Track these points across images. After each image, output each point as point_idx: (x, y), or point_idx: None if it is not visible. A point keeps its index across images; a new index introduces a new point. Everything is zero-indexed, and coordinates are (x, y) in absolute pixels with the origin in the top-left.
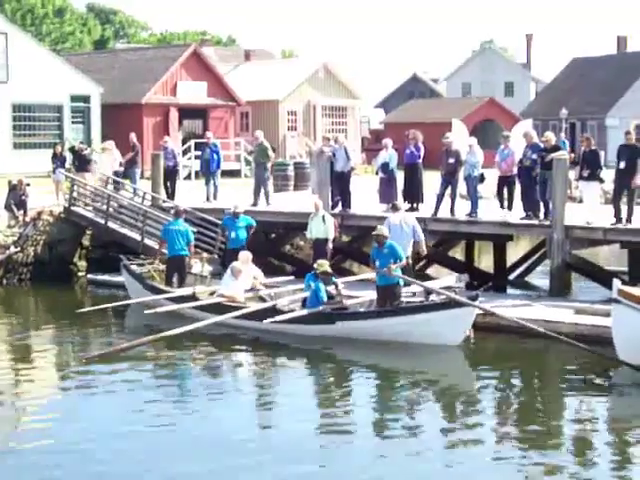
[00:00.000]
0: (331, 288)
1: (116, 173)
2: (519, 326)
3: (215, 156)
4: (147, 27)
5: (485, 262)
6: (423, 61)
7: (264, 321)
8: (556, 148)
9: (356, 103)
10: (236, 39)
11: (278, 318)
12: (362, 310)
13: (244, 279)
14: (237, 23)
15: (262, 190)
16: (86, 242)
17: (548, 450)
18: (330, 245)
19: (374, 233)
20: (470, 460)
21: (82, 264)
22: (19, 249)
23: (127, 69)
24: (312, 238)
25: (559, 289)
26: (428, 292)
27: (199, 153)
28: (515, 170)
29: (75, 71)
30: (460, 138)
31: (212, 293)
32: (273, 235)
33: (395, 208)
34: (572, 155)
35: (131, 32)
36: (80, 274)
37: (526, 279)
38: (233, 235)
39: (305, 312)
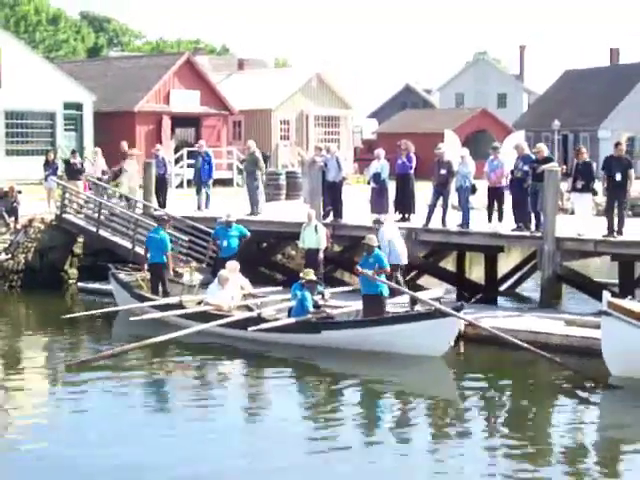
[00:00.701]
0: (318, 297)
1: (100, 180)
2: (497, 336)
3: (207, 165)
4: (141, 35)
5: (476, 273)
6: (416, 72)
7: (248, 329)
8: (548, 160)
9: (349, 113)
10: (229, 48)
11: (263, 326)
12: (347, 319)
13: (231, 288)
14: (231, 32)
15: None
16: (77, 250)
17: (536, 460)
18: (322, 255)
19: (363, 242)
20: (456, 469)
21: (73, 272)
22: (10, 256)
23: (120, 77)
24: (304, 248)
25: (549, 300)
26: (413, 302)
27: (192, 161)
28: (504, 181)
29: (68, 79)
30: (452, 149)
31: (200, 302)
32: (264, 244)
33: (378, 222)
34: (564, 167)
35: (125, 40)
36: (71, 282)
37: (517, 290)
38: (225, 244)
39: (290, 321)
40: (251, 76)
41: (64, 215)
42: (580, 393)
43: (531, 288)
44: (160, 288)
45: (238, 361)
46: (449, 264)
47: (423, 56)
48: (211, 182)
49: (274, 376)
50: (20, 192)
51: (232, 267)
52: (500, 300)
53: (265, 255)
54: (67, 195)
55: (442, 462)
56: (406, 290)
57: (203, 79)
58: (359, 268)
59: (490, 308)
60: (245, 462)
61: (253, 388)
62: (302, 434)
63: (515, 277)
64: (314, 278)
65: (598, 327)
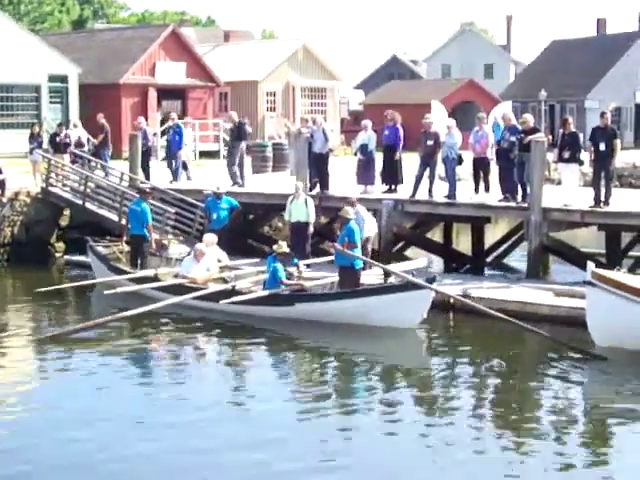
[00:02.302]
0: (293, 269)
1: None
2: (471, 307)
3: (177, 137)
4: (126, 7)
5: (463, 244)
6: (403, 42)
7: (221, 301)
8: (534, 130)
9: (335, 84)
10: (215, 20)
11: (235, 299)
12: (320, 292)
13: (207, 261)
14: (217, 3)
15: (236, 169)
16: (63, 223)
17: (519, 432)
18: (311, 229)
19: (339, 214)
20: (440, 443)
21: (59, 245)
22: None
23: (105, 49)
24: (290, 221)
25: (536, 271)
26: (387, 274)
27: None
28: (489, 152)
29: (53, 51)
30: (439, 120)
31: (176, 275)
32: (251, 216)
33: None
34: (550, 137)
35: (110, 12)
36: (57, 255)
37: (504, 261)
38: (215, 216)
39: (263, 293)
40: (237, 48)
41: (50, 188)
42: (565, 364)
43: (518, 259)
44: (139, 261)
45: (211, 335)
46: (436, 235)
47: (410, 27)
48: (179, 154)
49: (248, 349)
50: None
51: (210, 240)
52: (487, 271)
53: (252, 227)
54: (53, 168)
55: (425, 435)
56: (379, 264)
57: (189, 51)
58: (332, 243)
59: (477, 279)
60: (226, 437)
61: (227, 361)
62: (279, 407)
63: (502, 248)
64: (287, 250)
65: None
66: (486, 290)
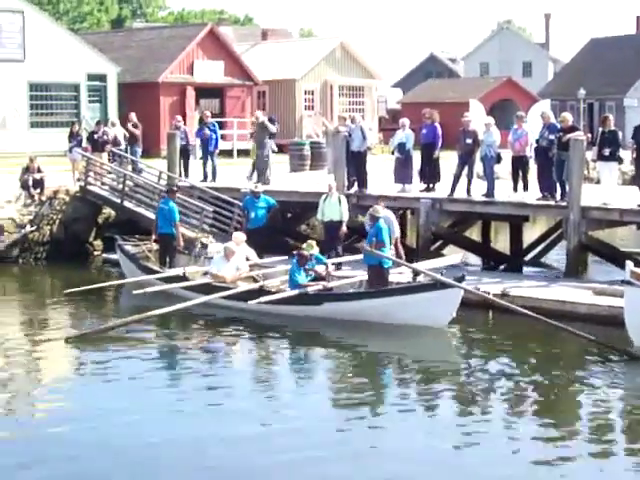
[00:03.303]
0: (322, 268)
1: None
2: (504, 307)
3: (213, 135)
4: (164, 6)
5: (501, 243)
6: (441, 41)
7: (249, 302)
8: (573, 129)
9: (373, 83)
10: (253, 18)
11: (263, 299)
12: (348, 291)
13: (237, 260)
14: (255, 2)
15: (262, 168)
16: (102, 221)
17: (556, 432)
18: (344, 228)
19: (369, 212)
20: (472, 443)
21: (97, 243)
22: (35, 228)
23: (144, 48)
24: (324, 220)
25: (575, 270)
26: (415, 273)
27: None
28: (528, 150)
29: (92, 50)
30: (477, 118)
31: (205, 273)
32: (289, 215)
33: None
34: (589, 135)
35: (148, 11)
36: (95, 253)
37: (542, 260)
38: (252, 215)
39: (290, 293)
40: (275, 46)
41: (88, 186)
42: (603, 364)
43: (556, 258)
44: (167, 259)
45: (240, 333)
46: (474, 234)
47: (448, 25)
48: (217, 153)
49: (276, 348)
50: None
51: (239, 239)
52: (525, 270)
53: (290, 225)
54: (91, 166)
55: (460, 433)
56: (408, 264)
57: (227, 49)
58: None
59: (515, 277)
60: (254, 433)
61: (256, 359)
62: (305, 404)
63: (540, 247)
64: (314, 251)
65: None
66: (524, 289)
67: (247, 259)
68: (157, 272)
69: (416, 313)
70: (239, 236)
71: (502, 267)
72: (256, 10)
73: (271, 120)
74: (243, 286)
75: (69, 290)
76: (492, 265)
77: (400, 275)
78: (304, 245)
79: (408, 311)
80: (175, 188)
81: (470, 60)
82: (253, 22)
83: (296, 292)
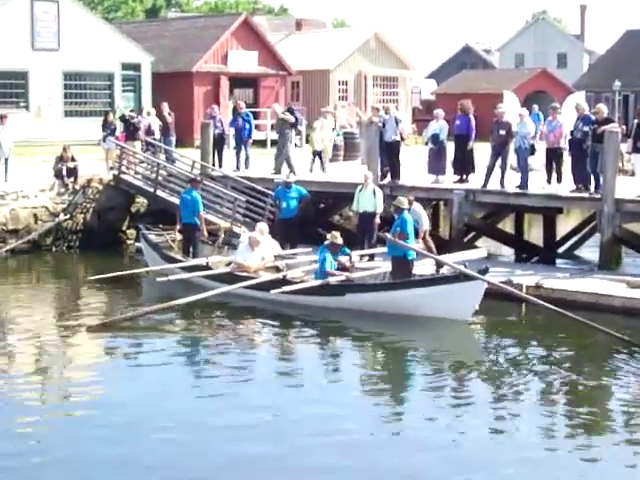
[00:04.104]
0: (345, 259)
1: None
2: (527, 300)
3: (247, 125)
4: None
5: (534, 235)
6: (476, 32)
7: (271, 291)
8: (607, 120)
9: (407, 73)
10: (288, 8)
11: (285, 289)
12: (371, 282)
13: (262, 250)
14: None
15: (286, 159)
16: (135, 210)
17: (585, 427)
18: (378, 219)
19: (393, 203)
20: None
21: (131, 232)
22: (68, 216)
23: (178, 38)
24: (358, 211)
25: (609, 263)
26: (439, 265)
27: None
28: (563, 142)
29: (126, 39)
30: (512, 109)
31: (228, 263)
32: (322, 205)
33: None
34: (623, 127)
35: (183, 1)
36: (128, 242)
37: (575, 252)
38: (284, 205)
39: (313, 283)
40: (309, 36)
41: (122, 176)
42: (632, 358)
43: (590, 250)
44: (191, 249)
45: (262, 323)
46: (507, 226)
47: (483, 16)
48: (250, 142)
49: (299, 338)
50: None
51: (262, 229)
52: (558, 262)
53: (323, 216)
54: (125, 156)
55: (487, 427)
56: (432, 255)
57: (261, 39)
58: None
59: (549, 269)
60: (279, 425)
61: (277, 350)
62: (326, 394)
63: (574, 239)
64: (339, 241)
65: None
66: (558, 281)
67: (272, 249)
68: (179, 261)
69: (439, 305)
70: (263, 227)
71: (535, 259)
72: (290, 0)
73: (290, 110)
74: (266, 276)
75: (93, 277)
76: (525, 257)
77: (424, 267)
78: (328, 236)
79: (431, 303)
80: (199, 178)
81: (505, 51)
82: (287, 12)
83: (319, 282)
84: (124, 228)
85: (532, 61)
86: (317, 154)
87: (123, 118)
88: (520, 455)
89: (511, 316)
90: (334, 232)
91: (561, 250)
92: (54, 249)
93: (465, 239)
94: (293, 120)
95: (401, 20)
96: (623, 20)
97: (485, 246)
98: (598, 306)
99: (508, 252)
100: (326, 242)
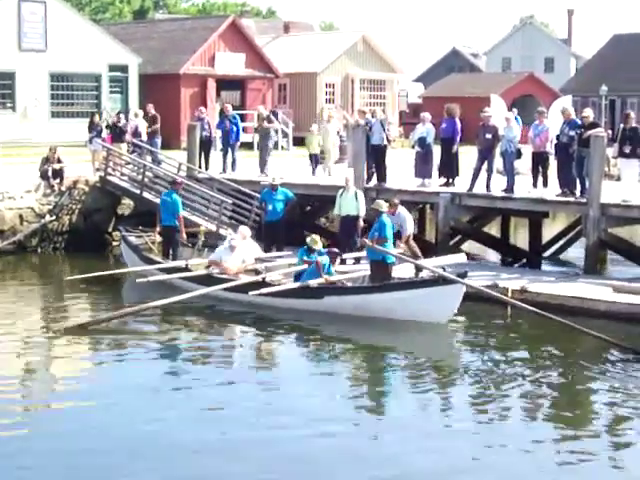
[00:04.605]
0: (323, 259)
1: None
2: (506, 302)
3: (234, 128)
4: None
5: (520, 238)
6: (463, 35)
7: (250, 292)
8: (594, 125)
9: (395, 77)
10: (276, 11)
11: (263, 291)
12: (349, 285)
13: (242, 252)
14: None
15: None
16: (121, 212)
17: (569, 429)
18: (361, 222)
19: (371, 206)
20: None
21: (116, 234)
22: (54, 218)
23: (166, 39)
24: (340, 215)
25: (594, 267)
26: (418, 269)
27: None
28: (549, 146)
29: (114, 41)
30: (498, 113)
31: (208, 266)
32: (308, 208)
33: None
34: (609, 132)
35: (170, 2)
36: (114, 243)
37: (561, 256)
38: (270, 208)
39: (292, 286)
40: (297, 39)
41: (108, 177)
42: (616, 360)
43: (575, 254)
44: (171, 251)
45: (240, 326)
46: (493, 229)
47: (470, 20)
48: (237, 145)
49: (277, 342)
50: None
51: (244, 233)
52: (544, 266)
53: (309, 218)
54: (111, 157)
55: (469, 430)
56: (410, 260)
57: (248, 42)
58: (362, 239)
59: (534, 273)
60: (257, 428)
61: (255, 353)
62: (306, 402)
63: (559, 243)
64: (317, 247)
65: None
66: (544, 285)
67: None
68: (159, 263)
69: (418, 308)
70: (245, 231)
71: (521, 263)
72: (278, 3)
73: (274, 114)
74: (245, 279)
75: (71, 277)
76: (511, 261)
77: (403, 271)
78: (308, 240)
79: (410, 306)
80: (180, 180)
81: (492, 55)
82: (275, 15)
83: (298, 284)
84: (110, 230)
85: (519, 65)
86: (313, 157)
87: (108, 125)
88: (502, 458)
89: (496, 319)
90: (314, 236)
91: (547, 254)
92: (40, 250)
93: (451, 242)
94: (276, 128)
95: (389, 23)
96: (610, 25)
97: (471, 250)
98: (583, 310)
99: (494, 256)
100: (307, 246)
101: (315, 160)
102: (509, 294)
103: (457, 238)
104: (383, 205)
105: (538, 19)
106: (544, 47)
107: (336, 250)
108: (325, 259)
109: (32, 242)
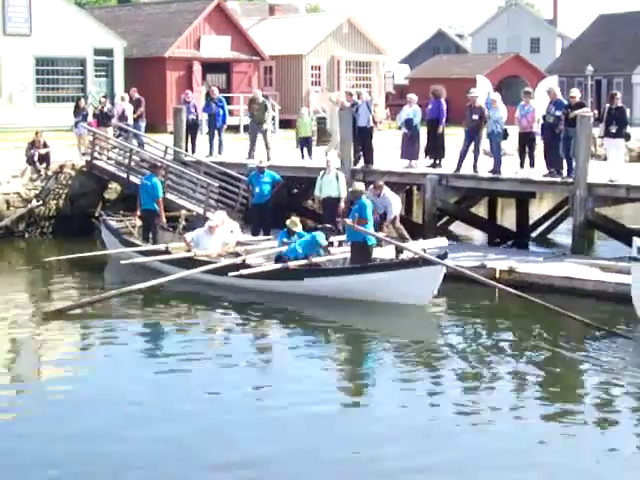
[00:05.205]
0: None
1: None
2: (476, 279)
3: (221, 111)
4: None
5: (507, 219)
6: (449, 17)
7: (229, 274)
8: (580, 105)
9: (381, 58)
10: None
11: (243, 272)
12: (330, 267)
13: (221, 234)
14: None
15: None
16: (108, 196)
17: (554, 407)
18: (342, 204)
19: (350, 189)
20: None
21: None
22: (41, 202)
23: (150, 23)
24: (321, 197)
25: (581, 247)
26: (399, 250)
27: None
28: (535, 127)
29: (98, 24)
30: (484, 94)
31: (188, 250)
32: (295, 190)
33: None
34: (595, 112)
35: None
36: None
37: (549, 237)
38: (257, 190)
39: (273, 266)
40: (282, 21)
41: (94, 161)
42: (607, 342)
43: (563, 235)
44: (150, 235)
45: (220, 309)
46: (480, 210)
47: (455, 1)
48: (224, 128)
49: (258, 323)
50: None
51: (220, 219)
52: (531, 246)
53: (296, 201)
54: (97, 141)
55: (455, 411)
56: (391, 240)
57: (234, 25)
58: (342, 219)
59: (522, 254)
60: (241, 411)
61: (236, 335)
62: (288, 385)
63: (547, 223)
64: (297, 228)
65: None
66: (531, 265)
67: (232, 232)
68: (139, 247)
69: (397, 290)
70: (223, 216)
71: (508, 243)
72: None
73: (265, 97)
74: (226, 261)
75: (48, 259)
76: (498, 241)
77: (384, 252)
78: (287, 222)
79: (389, 288)
80: (159, 164)
81: (478, 36)
82: None
83: (278, 266)
84: (97, 214)
85: (505, 46)
86: (304, 140)
87: (95, 113)
88: (488, 439)
89: (484, 300)
90: (293, 218)
91: (534, 234)
92: (27, 235)
93: (438, 224)
94: (273, 115)
95: (374, 5)
96: (596, 5)
97: (458, 231)
98: (571, 290)
99: (481, 236)
100: (287, 227)
101: (307, 143)
102: (497, 274)
103: (444, 219)
104: (361, 186)
105: (523, 0)
106: (530, 28)
107: (329, 225)
108: (322, 237)
109: (19, 227)
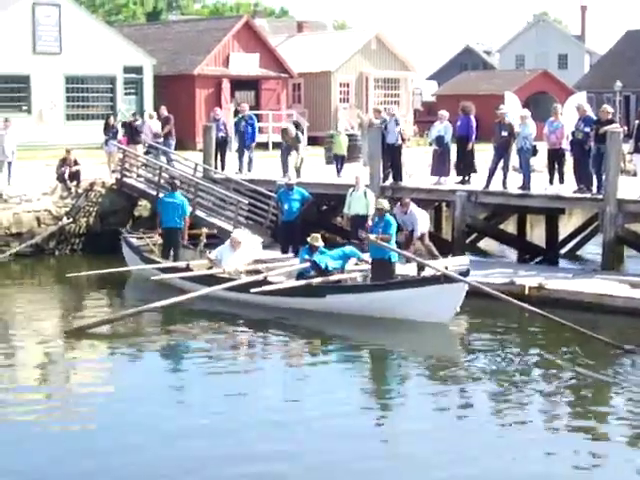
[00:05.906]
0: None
1: (151, 145)
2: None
3: (250, 129)
4: None
5: (537, 235)
6: (476, 33)
7: (251, 291)
8: (610, 121)
9: (409, 75)
10: (288, 10)
11: (265, 288)
12: (351, 284)
13: (243, 251)
14: None
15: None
16: (138, 213)
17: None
18: (370, 222)
19: (375, 206)
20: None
21: None
22: (71, 220)
23: (179, 41)
24: (350, 214)
25: (611, 263)
26: (420, 267)
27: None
28: (564, 143)
29: (128, 43)
30: (513, 110)
31: (210, 267)
32: (324, 207)
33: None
34: (625, 128)
35: (183, 4)
36: None
37: (578, 253)
38: (287, 207)
39: (295, 283)
40: (310, 38)
41: (124, 179)
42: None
43: (592, 251)
44: (171, 253)
45: (242, 326)
46: (510, 226)
47: (483, 17)
48: (253, 146)
49: (279, 341)
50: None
51: (242, 235)
52: (561, 263)
53: (325, 218)
54: (127, 159)
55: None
56: (410, 255)
57: (262, 42)
58: (365, 234)
59: (551, 270)
60: (261, 429)
61: (258, 354)
62: (310, 402)
63: (576, 239)
64: (318, 244)
65: None
66: (561, 281)
67: (254, 249)
68: (159, 263)
69: (419, 307)
70: (241, 235)
71: (538, 260)
72: (291, 2)
73: (296, 124)
74: (245, 278)
75: (70, 274)
76: (528, 258)
77: (405, 269)
78: (308, 238)
79: (411, 305)
80: (178, 182)
81: (505, 52)
82: (288, 14)
83: (300, 283)
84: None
85: (533, 62)
86: (339, 158)
87: (124, 124)
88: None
89: (507, 316)
90: (314, 234)
91: (563, 251)
92: (57, 253)
93: (467, 240)
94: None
95: (402, 21)
96: (624, 21)
97: (487, 247)
98: (601, 306)
99: (511, 253)
100: (309, 244)
101: (341, 161)
102: (526, 291)
103: (473, 236)
104: (385, 204)
105: (551, 16)
106: (557, 44)
107: (356, 241)
108: (355, 251)
109: (49, 244)
